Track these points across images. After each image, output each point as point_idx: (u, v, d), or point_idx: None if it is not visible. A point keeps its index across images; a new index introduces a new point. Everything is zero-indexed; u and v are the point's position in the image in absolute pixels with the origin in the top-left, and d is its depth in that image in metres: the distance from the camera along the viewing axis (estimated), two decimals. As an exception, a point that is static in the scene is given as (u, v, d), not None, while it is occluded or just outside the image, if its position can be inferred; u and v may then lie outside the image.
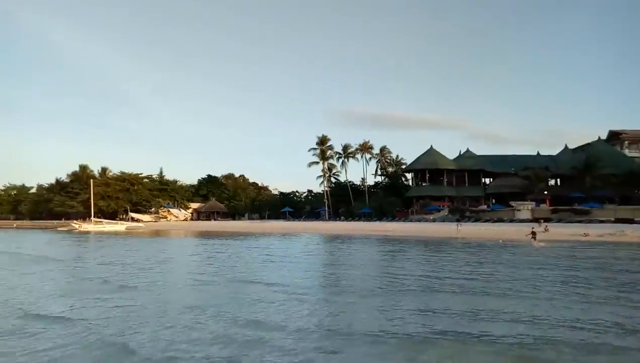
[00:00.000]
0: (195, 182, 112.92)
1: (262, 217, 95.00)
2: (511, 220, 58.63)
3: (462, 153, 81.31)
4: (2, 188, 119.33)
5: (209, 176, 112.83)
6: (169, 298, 11.56)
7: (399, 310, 9.66)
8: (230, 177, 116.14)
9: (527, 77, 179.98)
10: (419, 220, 65.11)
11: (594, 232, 37.55)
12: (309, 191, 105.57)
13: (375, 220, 69.60)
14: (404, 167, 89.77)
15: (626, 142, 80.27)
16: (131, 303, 10.53)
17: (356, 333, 7.66)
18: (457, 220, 59.06)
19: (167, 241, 40.16)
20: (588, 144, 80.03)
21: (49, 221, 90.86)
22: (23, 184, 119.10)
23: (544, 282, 13.34)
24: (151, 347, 7.02)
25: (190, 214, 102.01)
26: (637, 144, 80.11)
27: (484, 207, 70.18)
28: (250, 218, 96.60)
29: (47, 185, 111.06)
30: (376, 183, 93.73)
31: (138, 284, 13.71)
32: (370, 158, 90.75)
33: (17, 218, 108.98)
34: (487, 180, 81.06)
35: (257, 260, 21.18)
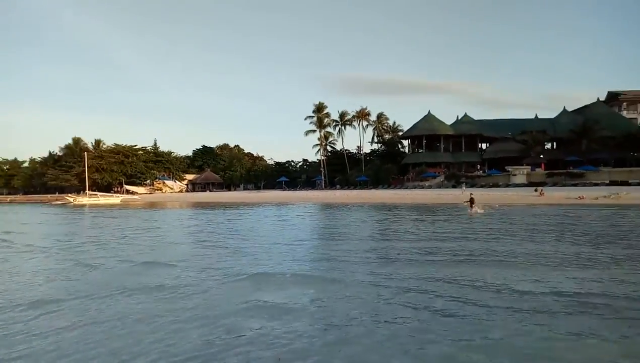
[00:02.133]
0: (190, 153, 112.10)
1: (257, 188, 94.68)
2: (507, 185, 58.61)
3: (459, 118, 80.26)
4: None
5: (204, 147, 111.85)
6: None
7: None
8: (225, 147, 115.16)
9: (526, 39, 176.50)
10: (415, 188, 64.98)
11: (589, 194, 37.38)
12: (305, 160, 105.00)
13: (371, 188, 69.43)
14: (400, 133, 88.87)
15: (625, 103, 79.25)
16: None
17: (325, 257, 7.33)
18: (453, 186, 58.95)
19: (166, 213, 39.76)
20: (586, 106, 78.92)
21: (43, 195, 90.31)
22: (15, 158, 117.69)
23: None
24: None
25: (185, 185, 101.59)
26: (635, 105, 79.13)
27: (480, 172, 69.90)
28: (245, 189, 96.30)
29: (40, 159, 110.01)
30: (373, 151, 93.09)
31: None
32: (367, 125, 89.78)
33: (10, 193, 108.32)
34: (484, 146, 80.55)
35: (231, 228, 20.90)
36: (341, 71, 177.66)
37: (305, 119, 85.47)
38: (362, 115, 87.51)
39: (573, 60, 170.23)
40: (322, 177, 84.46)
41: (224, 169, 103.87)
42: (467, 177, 65.70)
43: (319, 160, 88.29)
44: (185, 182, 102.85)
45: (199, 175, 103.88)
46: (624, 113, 77.34)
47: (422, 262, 10.23)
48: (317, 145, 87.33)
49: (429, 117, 78.03)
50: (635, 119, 75.51)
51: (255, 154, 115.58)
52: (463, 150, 76.58)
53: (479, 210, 25.85)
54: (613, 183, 51.33)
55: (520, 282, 7.99)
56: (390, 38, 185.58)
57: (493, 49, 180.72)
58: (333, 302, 7.03)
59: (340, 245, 13.78)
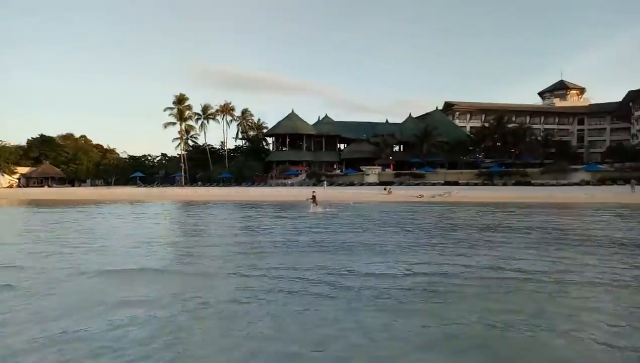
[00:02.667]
0: (24, 143, 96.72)
1: (107, 183, 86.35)
2: (361, 184, 63.17)
3: (321, 118, 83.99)
4: None
5: (42, 136, 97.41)
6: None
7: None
8: (69, 137, 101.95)
9: (380, 48, 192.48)
10: (278, 185, 66.14)
11: (427, 193, 42.33)
12: (164, 155, 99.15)
13: (235, 186, 68.65)
14: (265, 131, 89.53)
15: (457, 112, 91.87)
16: None
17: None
18: (315, 184, 61.49)
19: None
20: (428, 114, 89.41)
21: None
22: None
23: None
24: None
25: (17, 180, 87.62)
26: (465, 115, 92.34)
27: (338, 171, 74.22)
28: (93, 185, 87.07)
29: None
30: (237, 148, 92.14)
31: None
32: (231, 120, 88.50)
33: None
34: (343, 146, 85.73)
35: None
36: (208, 62, 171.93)
37: (165, 110, 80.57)
38: (226, 109, 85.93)
39: (419, 71, 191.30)
40: (183, 173, 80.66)
41: (66, 161, 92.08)
42: (326, 175, 69.15)
43: (180, 155, 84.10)
44: (17, 176, 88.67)
45: (34, 169, 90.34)
46: (457, 121, 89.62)
47: (277, 254, 10.47)
48: (177, 138, 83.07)
49: (292, 116, 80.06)
50: (465, 127, 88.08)
51: (105, 146, 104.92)
52: (324, 150, 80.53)
53: (319, 209, 25.68)
54: (447, 183, 59.02)
55: (363, 265, 8.78)
56: (260, 34, 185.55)
57: (353, 54, 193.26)
58: (186, 295, 7.04)
59: (197, 241, 13.26)
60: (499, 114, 75.59)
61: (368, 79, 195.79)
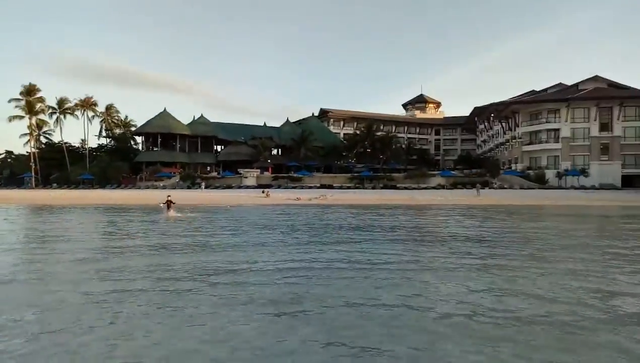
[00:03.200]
0: None
1: None
2: (239, 187, 62.23)
3: (196, 118, 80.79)
4: None
5: None
6: None
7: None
8: None
9: (260, 53, 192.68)
10: (148, 187, 61.79)
11: (304, 196, 43.34)
12: (9, 153, 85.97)
13: (97, 188, 62.33)
14: (133, 129, 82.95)
15: (332, 119, 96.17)
16: None
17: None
18: (189, 187, 58.76)
19: None
20: (305, 119, 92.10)
21: None
22: None
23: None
24: None
25: None
26: (339, 122, 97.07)
27: (215, 173, 72.14)
28: None
29: None
30: (100, 146, 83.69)
31: None
32: (93, 116, 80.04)
33: None
34: (219, 148, 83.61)
35: None
36: (61, 50, 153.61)
37: (10, 101, 69.81)
38: (87, 104, 77.64)
39: (298, 77, 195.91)
40: (33, 174, 70.68)
41: None
42: (202, 178, 66.71)
43: (29, 153, 73.58)
44: None
45: None
46: (331, 128, 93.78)
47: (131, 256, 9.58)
48: (26, 134, 72.57)
49: (164, 115, 75.71)
50: (339, 133, 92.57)
51: None
52: (199, 151, 77.57)
53: (175, 214, 23.09)
54: (323, 186, 61.24)
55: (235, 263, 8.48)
56: (131, 25, 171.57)
57: (232, 56, 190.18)
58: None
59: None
60: (368, 123, 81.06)
61: (247, 82, 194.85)
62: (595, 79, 68.31)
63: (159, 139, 74.31)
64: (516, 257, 10.49)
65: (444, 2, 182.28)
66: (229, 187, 62.16)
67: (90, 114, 78.78)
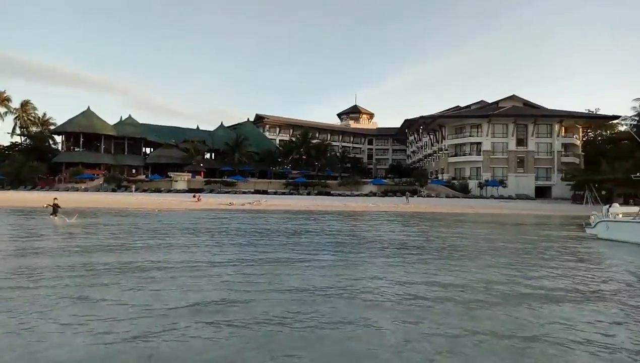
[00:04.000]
0: None
1: None
2: (169, 191, 59.80)
3: (123, 119, 76.69)
4: None
5: None
6: None
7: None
8: None
9: (195, 55, 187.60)
10: (68, 190, 57.46)
11: (237, 201, 42.59)
12: None
13: (9, 189, 56.93)
14: (52, 128, 76.86)
15: (267, 125, 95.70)
16: None
17: None
18: (114, 190, 55.64)
19: None
20: (239, 124, 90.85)
21: None
22: None
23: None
24: None
25: None
26: (275, 128, 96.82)
27: (143, 177, 68.78)
28: None
29: None
30: (14, 145, 76.47)
31: None
32: (6, 113, 73.12)
33: None
34: (149, 150, 79.92)
35: None
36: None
37: None
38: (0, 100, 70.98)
39: (233, 82, 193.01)
40: None
41: None
42: (129, 180, 63.30)
43: None
44: None
45: None
46: (267, 134, 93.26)
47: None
48: None
49: (88, 114, 71.11)
50: (275, 139, 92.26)
51: None
52: (126, 153, 73.68)
53: (67, 220, 20.20)
54: (257, 192, 60.55)
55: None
56: (52, 19, 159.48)
57: (164, 54, 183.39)
58: None
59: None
60: (304, 130, 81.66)
61: (179, 83, 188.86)
62: (512, 98, 74.04)
63: (82, 139, 69.52)
64: (436, 256, 11.58)
65: (377, 18, 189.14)
66: (158, 190, 59.50)
67: (3, 110, 72.10)
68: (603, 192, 51.34)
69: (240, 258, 10.57)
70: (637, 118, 57.09)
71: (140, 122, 78.14)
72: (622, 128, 67.78)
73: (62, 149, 74.00)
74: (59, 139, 76.40)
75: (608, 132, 73.76)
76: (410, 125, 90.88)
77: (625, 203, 27.17)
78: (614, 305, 7.00)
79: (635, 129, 54.13)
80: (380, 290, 7.63)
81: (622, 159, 49.65)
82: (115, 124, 74.03)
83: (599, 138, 74.49)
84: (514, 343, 5.11)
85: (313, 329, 5.44)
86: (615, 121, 68.73)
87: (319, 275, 8.84)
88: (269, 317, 5.84)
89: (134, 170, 72.73)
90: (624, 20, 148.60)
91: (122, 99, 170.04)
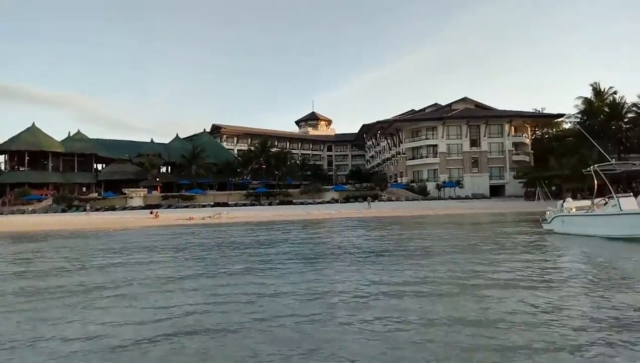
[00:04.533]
0: None
1: None
2: (124, 208, 57.50)
3: (72, 135, 73.32)
4: None
5: None
6: None
7: None
8: None
9: (145, 66, 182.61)
10: (14, 213, 54.08)
11: (197, 215, 41.40)
12: None
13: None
14: (-6, 146, 72.37)
15: (225, 135, 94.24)
16: None
17: None
18: (64, 210, 52.93)
19: None
20: (195, 135, 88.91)
21: None
22: None
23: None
24: None
25: None
26: (232, 138, 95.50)
27: (95, 194, 65.83)
28: None
29: None
30: (-51, 166, 71.48)
31: None
32: (-62, 132, 68.23)
33: None
34: (100, 166, 76.70)
35: None
36: None
37: None
38: None
39: (187, 93, 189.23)
40: None
41: None
42: (80, 199, 60.40)
43: None
44: None
45: None
46: (224, 144, 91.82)
47: None
48: None
49: (33, 130, 67.58)
50: (233, 149, 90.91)
51: None
52: (76, 170, 70.37)
53: None
54: (217, 204, 59.19)
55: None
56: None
57: (113, 66, 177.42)
58: None
59: None
60: (263, 139, 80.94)
61: (131, 97, 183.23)
62: (465, 100, 76.56)
63: (27, 158, 65.86)
64: (402, 257, 11.86)
65: (331, 23, 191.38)
66: (112, 208, 57.12)
67: None
68: (553, 188, 53.84)
69: (202, 273, 10.15)
70: (579, 115, 60.26)
71: (91, 137, 74.99)
72: (567, 126, 71.61)
73: (5, 168, 69.71)
74: (1, 158, 72.02)
75: (554, 129, 77.59)
76: (368, 130, 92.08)
77: (574, 197, 28.37)
78: (570, 289, 7.74)
79: (578, 126, 57.24)
80: (354, 289, 7.99)
81: (568, 155, 52.24)
82: (63, 140, 70.68)
83: (546, 136, 78.23)
84: (478, 326, 5.67)
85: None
86: (560, 119, 72.42)
87: (290, 282, 8.76)
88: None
89: (85, 188, 69.48)
90: (567, 23, 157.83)
91: (69, 113, 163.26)
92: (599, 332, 5.20)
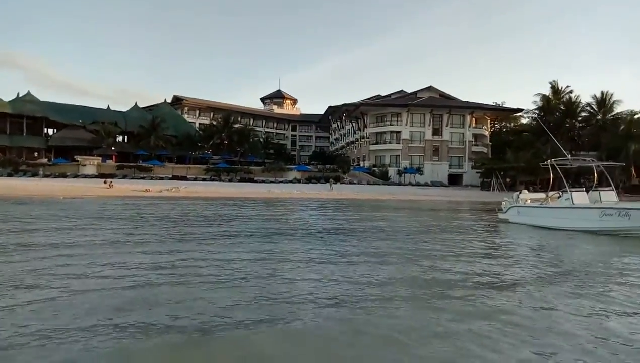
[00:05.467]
0: None
1: None
2: (76, 176, 55.01)
3: (21, 96, 68.79)
4: None
5: None
6: None
7: None
8: None
9: (104, 30, 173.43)
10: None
11: (154, 187, 40.08)
12: None
13: None
14: None
15: (186, 108, 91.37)
16: None
17: None
18: (9, 175, 49.96)
19: None
20: (156, 105, 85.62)
21: None
22: None
23: None
24: None
25: None
26: (194, 111, 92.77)
27: (45, 160, 62.43)
28: None
29: None
30: None
31: None
32: None
33: None
34: (51, 131, 72.59)
35: None
36: None
37: None
38: None
39: (147, 62, 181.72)
40: None
41: None
42: (28, 164, 57.14)
43: None
44: None
45: None
46: (186, 116, 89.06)
47: None
48: None
49: (-23, 88, 62.78)
50: (194, 123, 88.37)
51: None
52: (25, 134, 66.28)
53: None
54: (175, 177, 57.65)
55: None
56: None
57: (70, 27, 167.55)
58: None
59: None
60: (226, 114, 78.89)
61: (87, 60, 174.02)
62: (430, 89, 77.54)
63: (-31, 118, 61.40)
64: (355, 234, 12.18)
65: (302, 5, 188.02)
66: (63, 175, 54.42)
67: None
68: (508, 180, 55.84)
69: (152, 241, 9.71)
70: (537, 111, 62.44)
71: (42, 100, 70.67)
72: (525, 120, 74.21)
73: (-57, 128, 64.79)
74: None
75: (512, 124, 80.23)
76: (334, 112, 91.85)
77: (527, 189, 29.52)
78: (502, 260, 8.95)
79: (535, 122, 59.37)
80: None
81: (524, 149, 54.23)
82: (11, 101, 66.20)
83: (505, 129, 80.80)
84: (412, 283, 6.72)
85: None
86: (518, 114, 74.92)
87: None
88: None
89: (36, 153, 65.67)
90: (529, 21, 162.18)
91: (19, 74, 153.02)
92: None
